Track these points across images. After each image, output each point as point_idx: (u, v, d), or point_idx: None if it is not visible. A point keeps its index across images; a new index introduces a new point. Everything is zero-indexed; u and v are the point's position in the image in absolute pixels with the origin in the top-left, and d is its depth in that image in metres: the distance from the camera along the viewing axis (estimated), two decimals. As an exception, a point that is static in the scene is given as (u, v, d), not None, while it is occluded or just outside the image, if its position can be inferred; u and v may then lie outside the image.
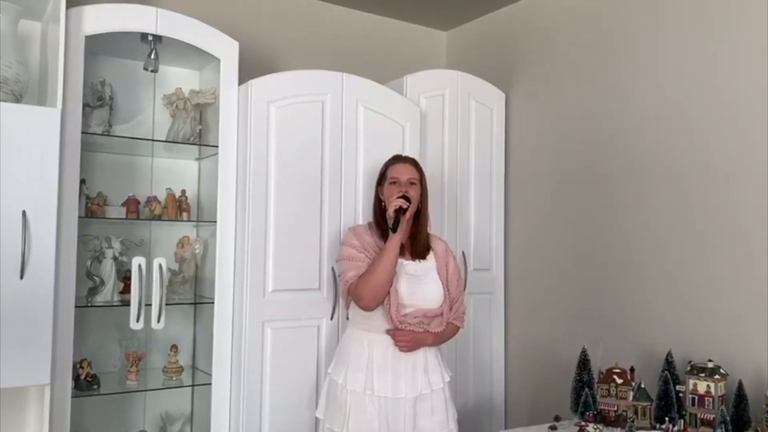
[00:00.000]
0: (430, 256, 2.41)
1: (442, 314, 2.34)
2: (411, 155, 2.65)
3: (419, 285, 2.33)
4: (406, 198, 2.29)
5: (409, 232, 2.39)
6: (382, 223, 2.40)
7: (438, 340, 2.37)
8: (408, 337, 2.27)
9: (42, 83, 2.60)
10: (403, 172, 2.38)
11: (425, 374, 2.31)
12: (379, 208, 2.43)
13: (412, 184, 2.36)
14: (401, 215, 2.26)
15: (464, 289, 2.55)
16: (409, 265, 2.35)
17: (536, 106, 3.34)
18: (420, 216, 2.41)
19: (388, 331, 2.28)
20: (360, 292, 2.26)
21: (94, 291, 2.64)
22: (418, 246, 2.39)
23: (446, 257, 2.44)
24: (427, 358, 2.34)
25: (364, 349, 2.31)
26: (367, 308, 2.28)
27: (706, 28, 2.58)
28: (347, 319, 2.56)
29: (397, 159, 2.47)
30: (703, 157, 2.56)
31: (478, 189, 3.33)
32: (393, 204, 2.29)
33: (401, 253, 2.33)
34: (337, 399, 2.32)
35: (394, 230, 2.26)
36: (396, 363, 2.28)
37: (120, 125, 2.84)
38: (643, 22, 2.82)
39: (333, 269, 2.77)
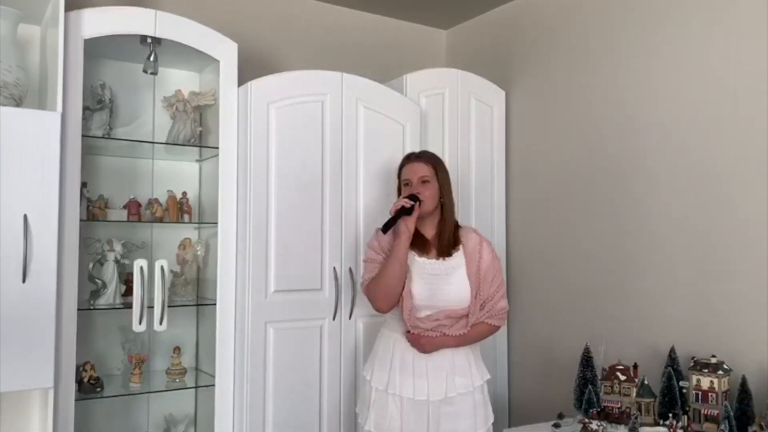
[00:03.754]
0: (459, 253, 2.26)
1: (468, 315, 2.21)
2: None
3: (441, 285, 2.21)
4: (414, 198, 2.20)
5: (436, 229, 2.29)
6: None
7: (462, 341, 2.22)
8: (421, 341, 2.19)
9: (42, 87, 2.61)
10: (415, 172, 2.28)
11: (451, 377, 2.20)
12: None
13: (424, 182, 2.26)
14: (402, 216, 2.18)
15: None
16: (430, 264, 2.24)
17: (536, 103, 3.34)
18: (443, 211, 2.29)
19: (406, 336, 2.23)
20: (371, 294, 2.24)
21: (96, 294, 2.65)
22: (443, 243, 2.26)
23: (478, 252, 2.26)
24: (454, 360, 2.22)
25: (390, 348, 2.27)
26: (380, 310, 2.25)
27: (706, 26, 2.58)
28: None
29: (407, 159, 2.36)
30: (704, 154, 2.55)
31: (479, 187, 3.32)
32: (396, 204, 2.21)
33: (426, 251, 2.26)
34: (364, 394, 2.32)
35: (384, 231, 2.20)
36: (418, 364, 2.21)
37: (120, 128, 2.85)
38: (642, 19, 2.82)
39: (334, 269, 2.78)
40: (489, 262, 2.26)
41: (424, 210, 2.23)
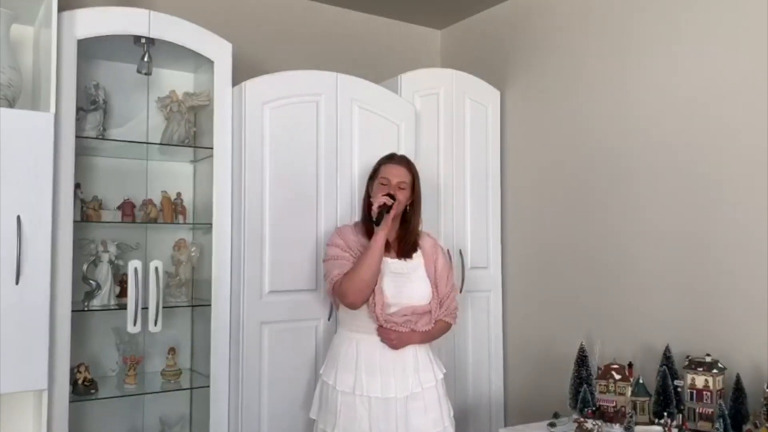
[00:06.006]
0: (417, 255, 2.40)
1: (431, 312, 2.33)
2: (406, 154, 2.64)
3: (405, 283, 2.33)
4: (392, 197, 2.28)
5: (396, 233, 2.39)
6: (368, 220, 2.37)
7: (427, 338, 2.35)
8: (392, 335, 2.27)
9: (35, 88, 2.60)
10: (395, 174, 2.37)
11: (416, 373, 2.30)
12: (368, 204, 2.40)
13: (401, 188, 2.36)
14: (385, 212, 2.25)
15: (457, 285, 2.52)
16: (393, 263, 2.34)
17: (531, 103, 3.34)
18: (411, 218, 2.41)
19: (377, 330, 2.28)
20: (345, 289, 2.25)
21: (90, 295, 2.64)
22: (405, 247, 2.39)
23: (434, 254, 2.42)
24: (417, 356, 2.32)
25: (353, 349, 2.31)
26: (352, 305, 2.27)
27: (703, 25, 2.58)
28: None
29: (390, 158, 2.45)
30: (698, 153, 2.56)
31: (474, 187, 3.33)
32: (378, 200, 2.28)
33: (386, 251, 2.32)
34: (328, 400, 2.32)
35: (377, 224, 2.26)
36: (384, 362, 2.27)
37: (114, 129, 2.84)
38: (638, 19, 2.82)
39: (329, 270, 2.78)
40: (443, 263, 2.44)
41: (397, 211, 2.32)
